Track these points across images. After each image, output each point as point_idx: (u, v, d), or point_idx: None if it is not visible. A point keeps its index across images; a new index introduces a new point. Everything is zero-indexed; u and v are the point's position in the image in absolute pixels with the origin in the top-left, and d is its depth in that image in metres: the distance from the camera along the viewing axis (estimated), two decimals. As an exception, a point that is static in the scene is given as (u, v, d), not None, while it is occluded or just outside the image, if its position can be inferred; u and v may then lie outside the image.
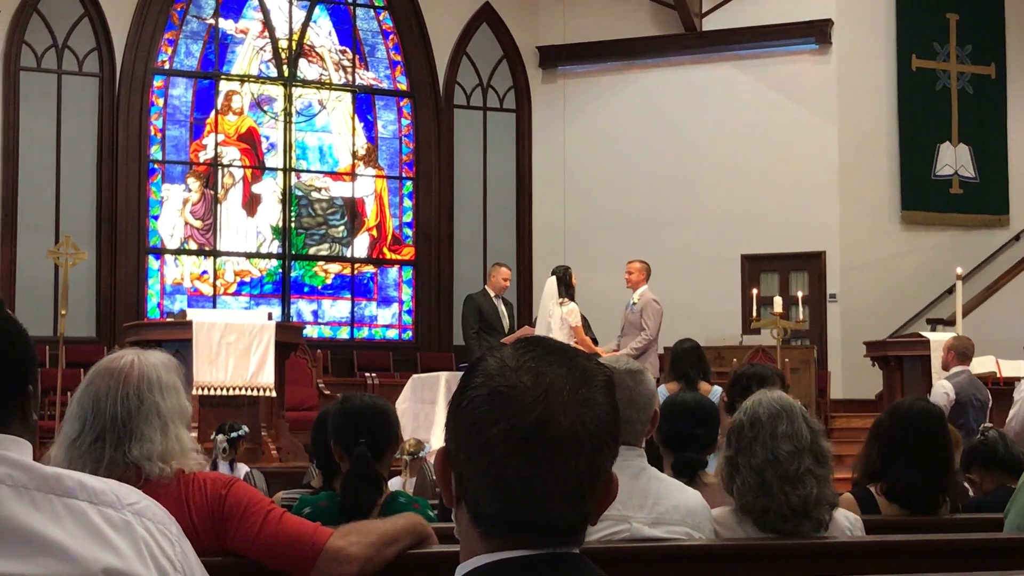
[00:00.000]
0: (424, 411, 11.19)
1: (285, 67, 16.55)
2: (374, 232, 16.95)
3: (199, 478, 2.96)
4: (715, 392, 8.20)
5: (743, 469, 3.54)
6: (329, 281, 16.74)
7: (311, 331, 15.99)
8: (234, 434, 8.41)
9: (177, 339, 10.19)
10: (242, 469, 8.23)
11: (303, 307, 16.55)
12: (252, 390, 10.23)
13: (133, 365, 2.94)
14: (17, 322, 1.74)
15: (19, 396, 1.69)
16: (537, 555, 1.49)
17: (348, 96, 16.92)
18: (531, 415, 1.46)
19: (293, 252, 16.47)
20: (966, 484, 5.33)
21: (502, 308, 12.21)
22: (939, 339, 11.10)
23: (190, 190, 15.99)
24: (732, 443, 3.60)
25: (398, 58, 17.08)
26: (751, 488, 3.53)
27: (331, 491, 4.12)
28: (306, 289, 16.61)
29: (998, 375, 11.17)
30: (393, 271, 17.03)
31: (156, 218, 15.78)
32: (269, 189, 16.44)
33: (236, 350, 10.19)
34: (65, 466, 2.76)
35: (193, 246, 16.00)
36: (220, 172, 16.17)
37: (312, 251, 16.66)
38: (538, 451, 1.46)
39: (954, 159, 16.44)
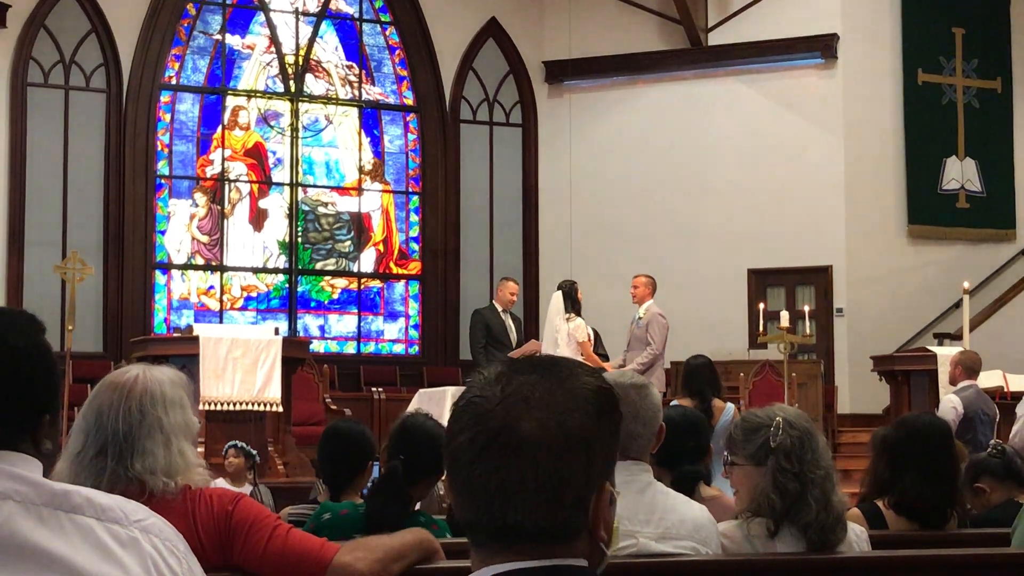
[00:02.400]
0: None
1: (292, 82, 16.58)
2: (380, 247, 16.96)
3: (205, 493, 2.96)
4: (728, 410, 8.13)
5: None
6: (336, 296, 16.75)
7: (318, 346, 15.98)
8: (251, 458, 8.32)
9: (184, 354, 10.19)
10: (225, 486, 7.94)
11: (310, 322, 16.55)
12: (259, 405, 10.23)
13: (137, 380, 2.95)
14: (49, 351, 1.74)
15: (33, 423, 1.69)
16: (542, 567, 1.49)
17: (354, 111, 16.95)
18: (492, 422, 1.50)
19: (300, 267, 16.48)
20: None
21: (509, 323, 12.22)
22: (946, 353, 11.07)
23: (197, 205, 16.01)
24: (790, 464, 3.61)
25: (404, 73, 17.11)
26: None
27: (352, 502, 4.12)
28: (313, 304, 16.61)
29: (1005, 389, 11.14)
30: (400, 286, 17.03)
31: (163, 233, 15.80)
32: (276, 204, 16.46)
33: (243, 365, 10.19)
34: (70, 479, 2.77)
35: (200, 261, 16.02)
36: (227, 187, 16.19)
37: (319, 266, 16.67)
38: (496, 455, 1.49)
39: (960, 173, 16.43)
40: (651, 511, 3.39)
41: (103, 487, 2.77)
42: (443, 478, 5.58)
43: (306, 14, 16.77)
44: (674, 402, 8.00)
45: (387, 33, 17.13)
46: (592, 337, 11.31)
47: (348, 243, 16.82)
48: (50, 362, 1.74)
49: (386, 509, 3.79)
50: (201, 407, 9.79)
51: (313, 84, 16.79)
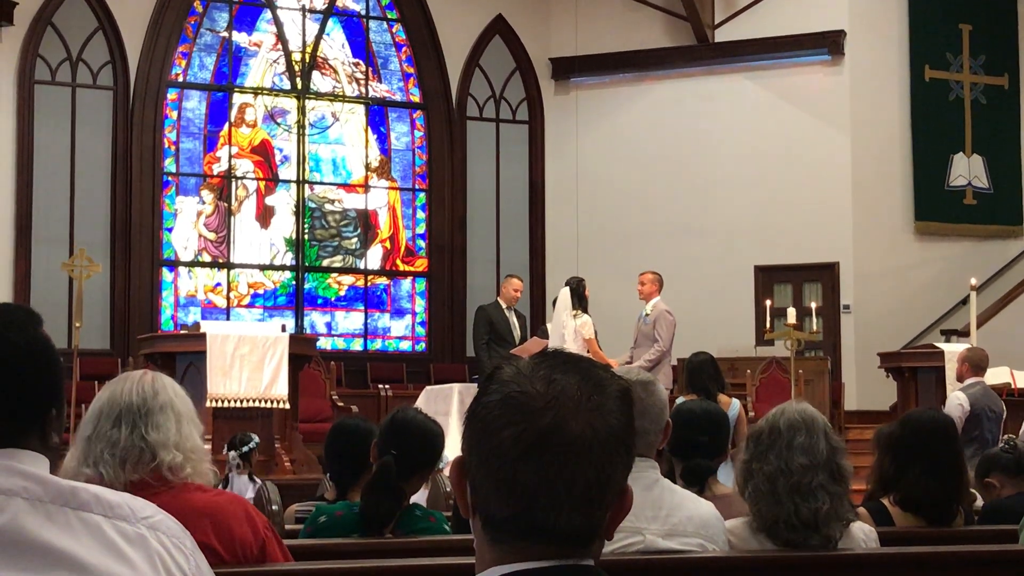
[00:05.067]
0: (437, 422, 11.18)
1: (298, 79, 16.59)
2: (387, 244, 16.96)
3: (249, 510, 3.05)
4: (735, 405, 8.15)
5: (756, 475, 3.56)
6: (342, 293, 16.75)
7: (324, 343, 15.99)
8: (245, 448, 8.30)
9: (191, 351, 10.20)
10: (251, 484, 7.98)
11: (317, 319, 16.56)
12: (266, 402, 10.23)
13: (146, 373, 3.02)
14: (50, 344, 1.74)
15: (40, 418, 1.69)
16: (553, 567, 1.49)
17: (361, 108, 16.95)
18: (542, 420, 1.47)
19: (306, 264, 16.49)
20: (975, 492, 5.31)
21: (513, 319, 12.22)
22: (953, 350, 11.06)
23: (204, 202, 16.03)
24: (750, 448, 3.63)
25: (411, 70, 17.10)
26: (762, 496, 3.55)
27: (347, 501, 4.14)
28: (319, 301, 16.62)
29: (1013, 386, 11.12)
30: (406, 283, 17.03)
31: (170, 230, 15.81)
32: (283, 201, 16.47)
33: (250, 362, 10.19)
34: (80, 458, 2.81)
35: (207, 258, 16.03)
36: (234, 184, 16.20)
37: (325, 263, 16.67)
38: (547, 456, 1.47)
39: (968, 170, 16.40)
40: (658, 508, 3.39)
41: (117, 455, 2.81)
42: (447, 473, 5.58)
43: (313, 11, 16.77)
44: (680, 399, 8.02)
45: (394, 30, 17.13)
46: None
47: (355, 240, 16.82)
48: (52, 355, 1.73)
49: (380, 506, 3.81)
50: (208, 404, 9.81)
51: (320, 81, 16.80)
